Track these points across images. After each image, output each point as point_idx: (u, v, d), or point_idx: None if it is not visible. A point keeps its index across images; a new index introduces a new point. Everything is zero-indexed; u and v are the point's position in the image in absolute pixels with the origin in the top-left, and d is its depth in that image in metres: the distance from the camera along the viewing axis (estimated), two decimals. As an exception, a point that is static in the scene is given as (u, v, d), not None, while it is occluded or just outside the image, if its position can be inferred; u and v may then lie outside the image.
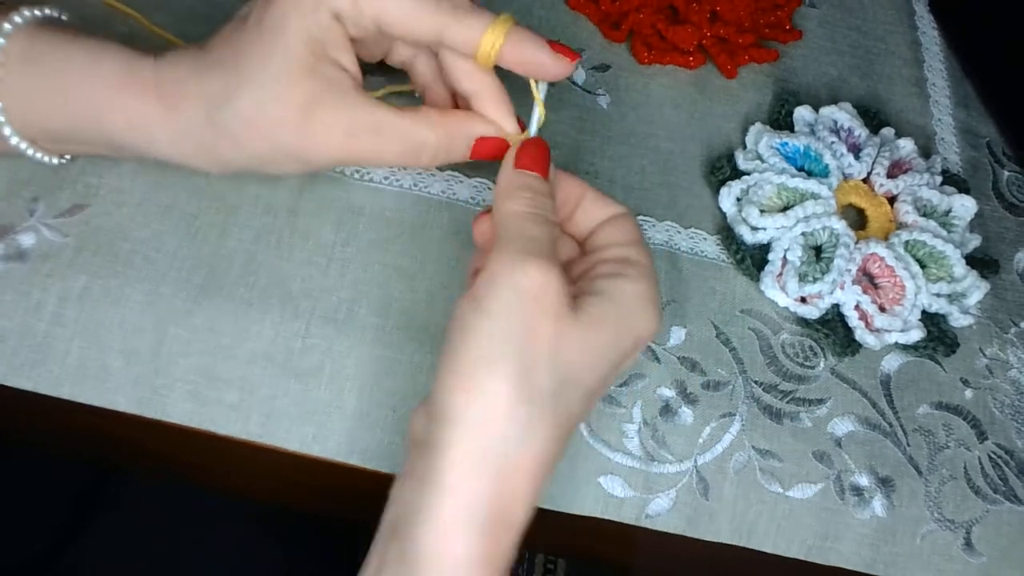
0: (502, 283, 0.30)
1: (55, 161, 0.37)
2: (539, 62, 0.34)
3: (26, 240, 0.37)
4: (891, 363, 0.43)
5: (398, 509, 0.30)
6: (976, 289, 0.43)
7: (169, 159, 0.35)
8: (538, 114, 0.36)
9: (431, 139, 0.35)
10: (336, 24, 0.33)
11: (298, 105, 0.33)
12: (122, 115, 0.33)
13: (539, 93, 0.35)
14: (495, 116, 0.36)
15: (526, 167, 0.34)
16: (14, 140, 0.35)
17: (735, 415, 0.40)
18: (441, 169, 0.42)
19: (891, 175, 0.46)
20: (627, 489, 0.38)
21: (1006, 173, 0.51)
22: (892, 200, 0.46)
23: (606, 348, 0.31)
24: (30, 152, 0.36)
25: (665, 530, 0.38)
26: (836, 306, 0.43)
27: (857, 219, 0.46)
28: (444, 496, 0.29)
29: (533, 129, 0.36)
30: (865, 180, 0.46)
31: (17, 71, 0.33)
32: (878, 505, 0.40)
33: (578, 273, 0.34)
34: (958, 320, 0.44)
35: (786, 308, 0.43)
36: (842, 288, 0.42)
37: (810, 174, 0.44)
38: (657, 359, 0.40)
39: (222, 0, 0.43)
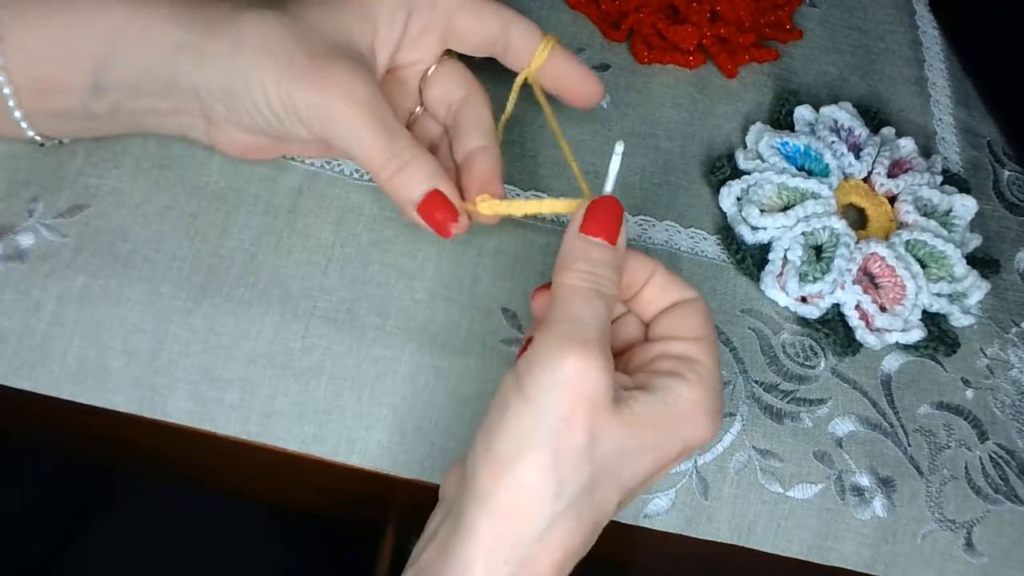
0: (541, 368, 0.28)
1: (31, 133, 0.36)
2: (579, 75, 0.38)
3: (25, 240, 0.37)
4: (892, 363, 0.43)
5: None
6: (977, 289, 0.43)
7: (157, 47, 0.34)
8: (614, 170, 0.32)
9: (406, 150, 0.34)
10: (400, 19, 0.36)
11: (325, 44, 0.34)
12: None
13: (616, 158, 0.32)
14: (486, 171, 0.36)
15: (591, 232, 0.31)
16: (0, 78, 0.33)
17: (736, 415, 0.40)
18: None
19: (891, 174, 0.46)
20: (627, 489, 0.38)
21: (1007, 173, 0.51)
22: (892, 200, 0.45)
23: (648, 449, 0.30)
24: (11, 104, 0.34)
25: (664, 529, 0.38)
26: (836, 306, 0.43)
27: (857, 219, 0.45)
28: None
29: (609, 186, 0.32)
30: (865, 180, 0.46)
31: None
32: (879, 505, 0.39)
33: (637, 364, 0.33)
34: (959, 320, 0.44)
35: (786, 308, 0.43)
36: (843, 288, 0.42)
37: (810, 174, 0.44)
38: (657, 359, 0.40)
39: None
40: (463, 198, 0.36)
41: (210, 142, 0.37)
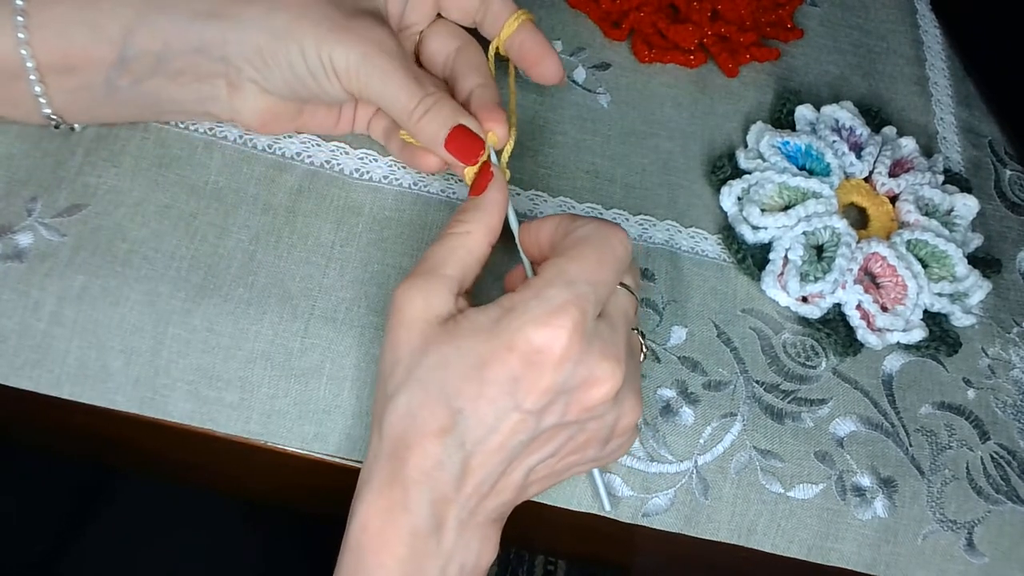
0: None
1: (48, 111, 0.36)
2: (541, 51, 0.40)
3: (24, 240, 0.37)
4: (893, 363, 0.43)
5: None
6: (978, 289, 0.43)
7: (182, 13, 0.35)
8: (491, 146, 0.38)
9: (431, 95, 0.36)
10: None
11: (349, 4, 0.36)
12: None
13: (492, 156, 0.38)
14: (485, 101, 0.38)
15: (448, 148, 0.37)
16: (21, 34, 0.34)
17: (736, 415, 0.40)
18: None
19: (893, 174, 0.45)
20: (625, 488, 0.38)
21: (1008, 172, 0.51)
22: (894, 199, 0.45)
23: (467, 355, 0.31)
24: (33, 78, 0.35)
25: (662, 528, 0.38)
26: (838, 306, 0.42)
27: (859, 218, 0.45)
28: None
29: (493, 157, 0.38)
30: (867, 179, 0.46)
31: None
32: (880, 505, 0.39)
33: None
34: (960, 320, 0.43)
35: (787, 308, 0.43)
36: (844, 288, 0.42)
37: (811, 173, 0.44)
38: (657, 359, 0.40)
39: None
40: None
41: (230, 113, 0.38)
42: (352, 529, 0.32)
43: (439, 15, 0.41)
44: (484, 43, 0.41)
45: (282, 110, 0.39)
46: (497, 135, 0.38)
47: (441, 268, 0.33)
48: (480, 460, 0.31)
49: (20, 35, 0.34)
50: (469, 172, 0.38)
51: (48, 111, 0.36)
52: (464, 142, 0.36)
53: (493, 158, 0.38)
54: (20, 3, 0.33)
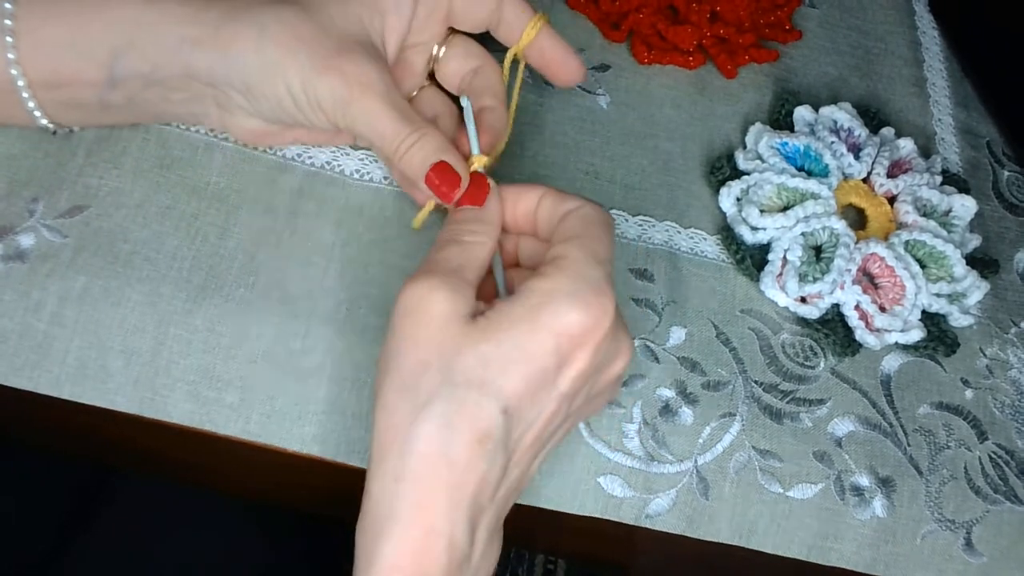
0: (393, 307, 0.32)
1: (44, 121, 0.36)
2: (563, 54, 0.40)
3: (25, 240, 0.37)
4: (891, 363, 0.43)
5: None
6: (976, 289, 0.43)
7: (170, 41, 0.35)
8: (475, 134, 0.38)
9: (416, 131, 0.36)
10: (407, 6, 0.37)
11: (340, 37, 0.35)
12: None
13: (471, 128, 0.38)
14: (490, 125, 0.38)
15: (429, 184, 0.36)
16: (11, 55, 0.34)
17: (735, 415, 0.40)
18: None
19: (891, 175, 0.46)
20: (627, 489, 0.38)
21: (1006, 173, 0.51)
22: (892, 200, 0.46)
23: (510, 349, 0.30)
24: (25, 95, 0.35)
25: (665, 530, 0.38)
26: (836, 306, 0.43)
27: (857, 219, 0.46)
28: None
29: (475, 147, 0.37)
30: (865, 180, 0.46)
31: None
32: (878, 505, 0.40)
33: None
34: (958, 320, 0.44)
35: (786, 308, 0.43)
36: (842, 288, 0.42)
37: (810, 174, 0.44)
38: (657, 359, 0.40)
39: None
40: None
41: (221, 129, 0.39)
42: (377, 571, 0.30)
43: (452, 28, 0.41)
44: (495, 44, 0.41)
45: (273, 129, 0.39)
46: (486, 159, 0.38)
47: (463, 272, 0.32)
48: (517, 458, 0.31)
49: (10, 55, 0.34)
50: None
51: (44, 122, 0.36)
52: (443, 178, 0.36)
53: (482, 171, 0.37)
54: (9, 23, 0.33)
